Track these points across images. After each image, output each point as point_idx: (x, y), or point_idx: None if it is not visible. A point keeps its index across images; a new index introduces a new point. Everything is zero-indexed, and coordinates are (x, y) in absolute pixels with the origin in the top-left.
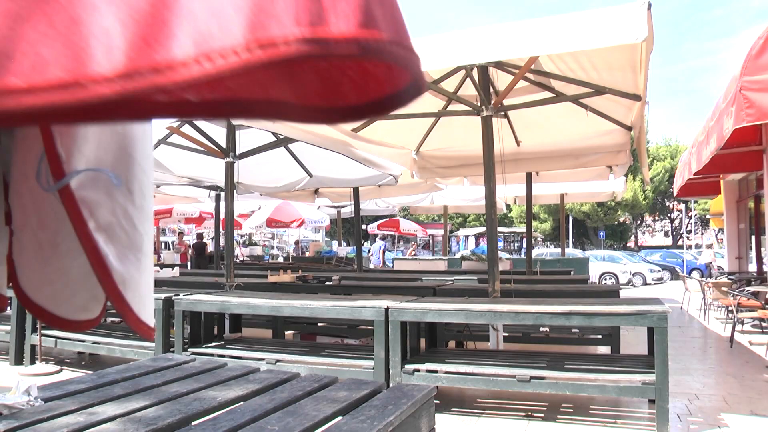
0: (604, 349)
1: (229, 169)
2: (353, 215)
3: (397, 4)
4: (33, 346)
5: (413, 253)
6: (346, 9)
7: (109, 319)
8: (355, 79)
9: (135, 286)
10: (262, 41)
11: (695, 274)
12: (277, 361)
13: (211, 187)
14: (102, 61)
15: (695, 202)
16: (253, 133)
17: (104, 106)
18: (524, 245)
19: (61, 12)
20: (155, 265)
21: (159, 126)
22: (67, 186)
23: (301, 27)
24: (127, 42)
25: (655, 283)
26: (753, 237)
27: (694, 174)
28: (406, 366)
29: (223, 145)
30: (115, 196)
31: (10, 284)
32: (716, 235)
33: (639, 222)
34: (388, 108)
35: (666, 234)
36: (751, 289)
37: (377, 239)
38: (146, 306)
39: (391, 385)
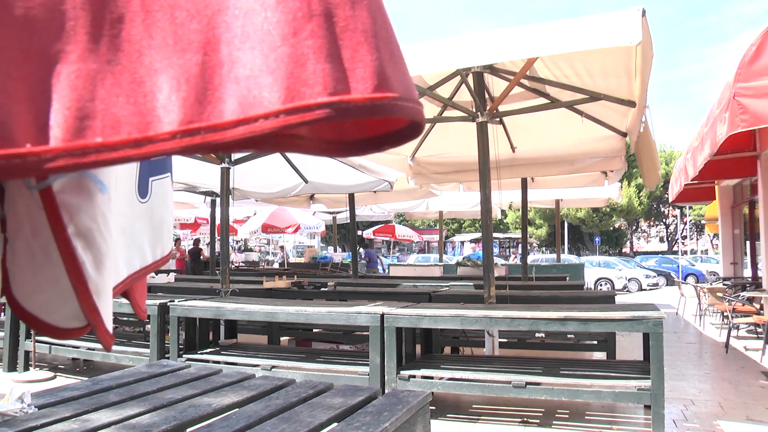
0: (599, 355)
1: (225, 175)
2: (349, 221)
3: (404, 59)
4: (27, 353)
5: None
6: (364, 74)
7: None
8: (360, 122)
9: (106, 296)
10: (296, 107)
11: (690, 279)
12: (273, 367)
13: (206, 193)
14: (165, 119)
15: (690, 207)
16: None
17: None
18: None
19: (126, 74)
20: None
21: None
22: (49, 188)
23: (328, 93)
24: (184, 102)
25: (650, 289)
26: (748, 242)
27: (690, 180)
28: (402, 372)
29: None
30: (96, 201)
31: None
32: (711, 241)
33: (634, 228)
34: (386, 145)
35: (661, 239)
36: (747, 294)
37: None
38: (110, 315)
39: (386, 391)
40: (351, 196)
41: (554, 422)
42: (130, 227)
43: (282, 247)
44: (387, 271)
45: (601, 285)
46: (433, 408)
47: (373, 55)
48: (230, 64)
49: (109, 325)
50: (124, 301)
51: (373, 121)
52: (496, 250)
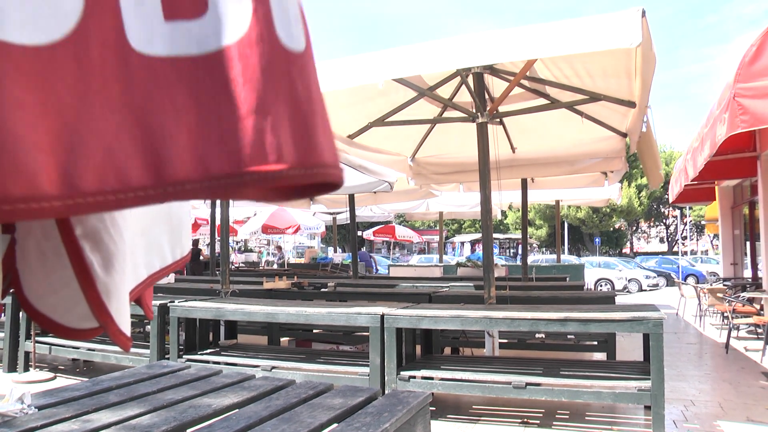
0: (599, 356)
1: None
2: (349, 222)
3: (330, 128)
4: (27, 353)
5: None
6: (308, 146)
7: None
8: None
9: (117, 296)
10: (251, 171)
11: (691, 280)
12: (273, 368)
13: None
14: (172, 165)
15: (690, 208)
16: None
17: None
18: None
19: (138, 126)
20: None
21: None
22: None
23: (281, 161)
24: (51, 171)
25: (650, 290)
26: (748, 243)
27: (691, 180)
28: (402, 372)
29: None
30: None
31: (12, 291)
32: (711, 242)
33: (634, 228)
34: (310, 195)
35: (661, 240)
36: (747, 294)
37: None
38: (125, 316)
39: (386, 391)
40: (351, 197)
41: (554, 423)
42: (149, 229)
43: (279, 248)
44: (385, 271)
45: (601, 286)
46: (433, 408)
47: (314, 131)
48: (221, 134)
49: (124, 326)
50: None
51: None
52: (496, 251)
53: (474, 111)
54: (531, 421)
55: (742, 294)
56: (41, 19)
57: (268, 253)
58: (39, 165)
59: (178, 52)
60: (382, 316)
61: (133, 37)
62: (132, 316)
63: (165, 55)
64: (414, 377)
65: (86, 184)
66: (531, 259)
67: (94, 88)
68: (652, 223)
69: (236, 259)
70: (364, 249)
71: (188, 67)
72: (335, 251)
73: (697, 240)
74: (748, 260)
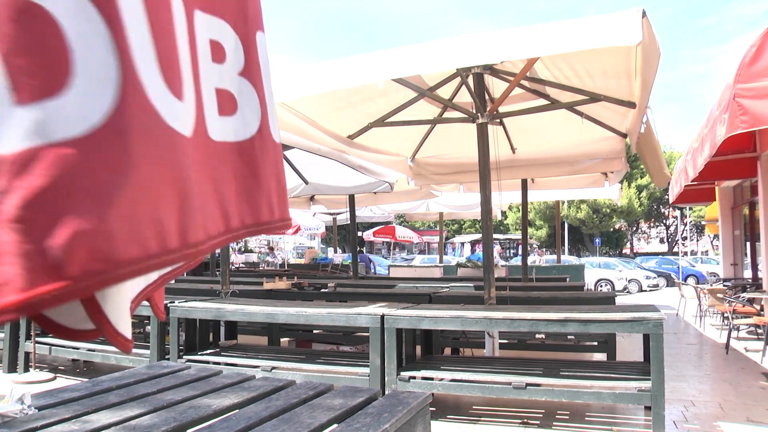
0: (599, 356)
1: None
2: (349, 222)
3: (286, 190)
4: (27, 354)
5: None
6: (269, 206)
7: None
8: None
9: (113, 297)
10: (264, 222)
11: (691, 280)
12: (273, 368)
13: None
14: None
15: (690, 208)
16: None
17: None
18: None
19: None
20: None
21: None
22: None
23: (258, 219)
24: (174, 230)
25: (650, 290)
26: (748, 243)
27: (691, 181)
28: (402, 373)
29: None
30: None
31: None
32: (711, 242)
33: (634, 229)
34: (266, 231)
35: (661, 241)
36: (747, 295)
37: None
38: (124, 317)
39: (386, 392)
40: (351, 198)
41: (554, 423)
42: None
43: (271, 249)
44: (383, 272)
45: (601, 286)
46: (434, 409)
47: (285, 197)
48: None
49: (122, 328)
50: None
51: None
52: (496, 251)
53: (474, 111)
54: (531, 422)
55: (742, 294)
56: (186, 118)
57: (267, 254)
58: (167, 227)
59: (225, 138)
60: (382, 317)
61: (210, 131)
62: (132, 316)
63: (219, 140)
64: (414, 378)
65: (192, 239)
66: (531, 259)
67: (197, 166)
68: (652, 224)
69: (236, 259)
70: (364, 250)
71: (232, 149)
72: (335, 252)
73: (697, 240)
74: (748, 261)
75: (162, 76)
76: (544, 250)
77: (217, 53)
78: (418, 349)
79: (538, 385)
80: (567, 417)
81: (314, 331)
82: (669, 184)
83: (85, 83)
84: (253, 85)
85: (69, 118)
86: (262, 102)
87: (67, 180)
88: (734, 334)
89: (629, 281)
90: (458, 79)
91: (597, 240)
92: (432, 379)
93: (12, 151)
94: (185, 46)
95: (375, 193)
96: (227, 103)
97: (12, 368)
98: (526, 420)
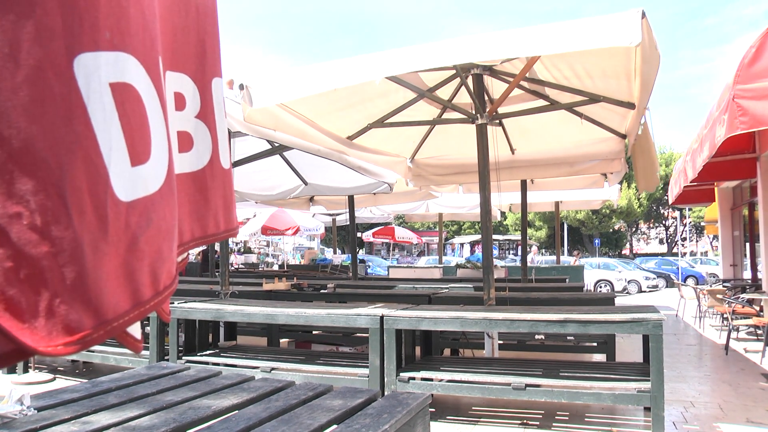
0: (599, 357)
1: None
2: (348, 223)
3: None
4: None
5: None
6: (228, 218)
7: None
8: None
9: None
10: (214, 234)
11: (690, 281)
12: (272, 369)
13: None
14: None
15: (690, 209)
16: (248, 140)
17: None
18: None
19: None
20: None
21: None
22: None
23: (221, 228)
24: (147, 281)
25: (650, 291)
26: (747, 244)
27: (690, 182)
28: (402, 374)
29: None
30: None
31: None
32: (711, 243)
33: (634, 229)
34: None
35: (661, 241)
36: (746, 296)
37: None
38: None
39: (386, 393)
40: (350, 198)
41: (554, 424)
42: None
43: (267, 254)
44: (380, 273)
45: (600, 287)
46: (433, 410)
47: (232, 207)
48: (159, 253)
49: (131, 328)
50: None
51: None
52: (495, 252)
53: (473, 112)
54: (531, 423)
55: (741, 295)
56: (157, 176)
57: (267, 255)
58: (143, 278)
59: (182, 170)
60: (382, 318)
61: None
62: None
63: (178, 172)
64: (413, 379)
65: (162, 285)
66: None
67: (170, 218)
68: (651, 225)
69: (236, 260)
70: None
71: (187, 178)
72: (335, 252)
73: (697, 241)
74: (747, 261)
75: (169, 145)
76: (537, 249)
77: (180, 102)
78: (418, 349)
79: (538, 385)
80: (566, 418)
81: (314, 332)
82: (669, 185)
83: (156, 154)
84: (207, 125)
85: (150, 179)
86: (214, 137)
87: (159, 223)
88: (734, 334)
89: (629, 282)
90: (458, 80)
91: (596, 241)
92: (431, 379)
93: (127, 199)
94: (162, 109)
95: (374, 193)
96: (185, 142)
97: (11, 369)
98: (525, 421)
